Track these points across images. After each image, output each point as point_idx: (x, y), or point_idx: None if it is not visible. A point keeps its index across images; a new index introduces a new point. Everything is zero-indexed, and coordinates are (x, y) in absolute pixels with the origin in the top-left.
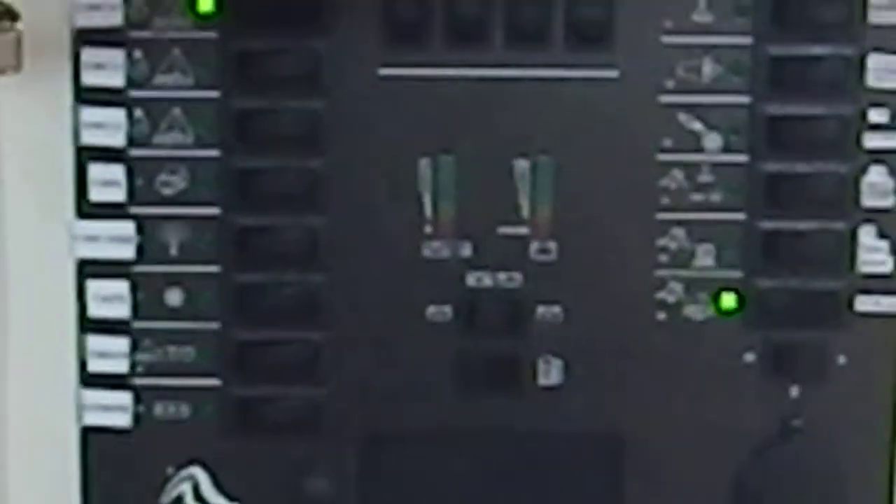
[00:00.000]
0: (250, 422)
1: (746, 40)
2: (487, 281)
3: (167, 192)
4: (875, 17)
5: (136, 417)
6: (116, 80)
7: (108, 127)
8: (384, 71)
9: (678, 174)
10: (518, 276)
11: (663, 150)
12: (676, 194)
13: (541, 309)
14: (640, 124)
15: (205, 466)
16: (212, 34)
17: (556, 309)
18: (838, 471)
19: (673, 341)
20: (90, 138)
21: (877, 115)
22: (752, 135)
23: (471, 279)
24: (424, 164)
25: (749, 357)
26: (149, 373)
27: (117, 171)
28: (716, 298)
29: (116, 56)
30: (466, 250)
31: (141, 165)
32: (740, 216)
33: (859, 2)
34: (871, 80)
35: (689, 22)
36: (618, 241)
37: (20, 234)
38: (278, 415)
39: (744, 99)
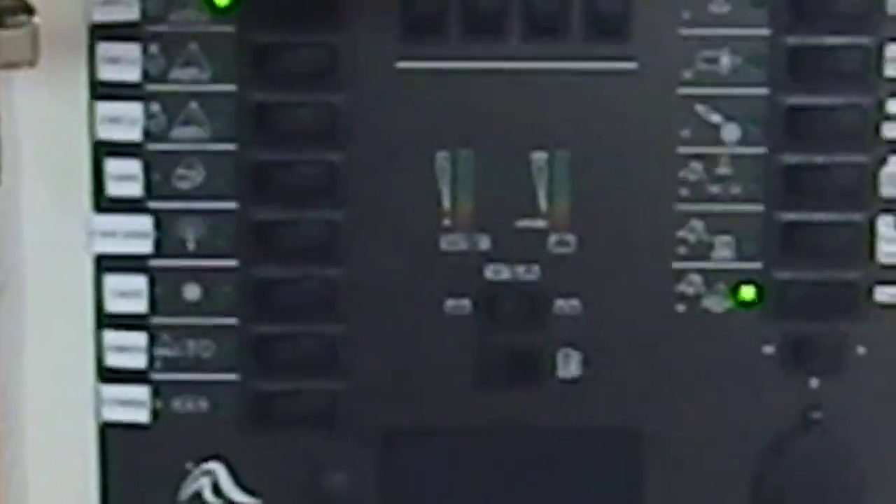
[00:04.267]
0: (269, 416)
1: (764, 31)
2: (506, 274)
3: (184, 186)
4: (893, 7)
5: (155, 412)
6: (133, 74)
7: (124, 121)
8: (402, 64)
9: (697, 166)
10: (536, 269)
11: (682, 142)
12: (695, 186)
13: (559, 302)
14: (658, 116)
15: (224, 461)
16: (229, 28)
17: (575, 302)
18: (858, 463)
19: (692, 333)
20: (106, 133)
21: None
22: (771, 126)
23: (489, 272)
24: (442, 157)
25: (768, 349)
26: (167, 367)
27: (134, 166)
28: (735, 290)
29: (133, 50)
30: (485, 243)
31: (158, 160)
32: (759, 208)
33: None
34: (890, 71)
35: (707, 13)
36: (636, 233)
37: (37, 229)
38: (297, 409)
39: (762, 90)
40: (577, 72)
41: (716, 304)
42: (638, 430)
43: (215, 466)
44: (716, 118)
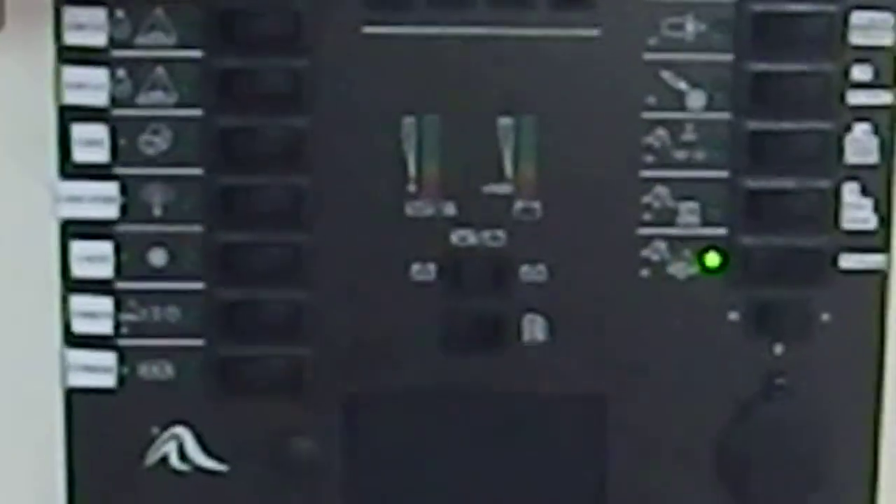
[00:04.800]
0: (235, 381)
1: None
2: (472, 240)
3: (150, 151)
4: None
5: (121, 378)
6: (99, 39)
7: (90, 87)
8: (368, 29)
9: (662, 132)
10: (502, 235)
11: (647, 109)
12: (660, 152)
13: (525, 267)
14: (623, 83)
15: (190, 426)
16: None
17: (541, 267)
18: (822, 428)
19: (657, 299)
20: (73, 98)
21: (860, 73)
22: (736, 93)
23: (455, 238)
24: (408, 122)
25: (733, 315)
26: (133, 333)
27: (100, 131)
28: (700, 256)
29: (98, 15)
30: (450, 209)
31: (124, 125)
32: (724, 174)
33: None
34: (855, 38)
35: None
36: (602, 199)
37: (2, 194)
38: (263, 374)
39: (727, 57)
40: (543, 38)
41: (680, 270)
42: (602, 396)
43: (181, 431)
44: (681, 84)
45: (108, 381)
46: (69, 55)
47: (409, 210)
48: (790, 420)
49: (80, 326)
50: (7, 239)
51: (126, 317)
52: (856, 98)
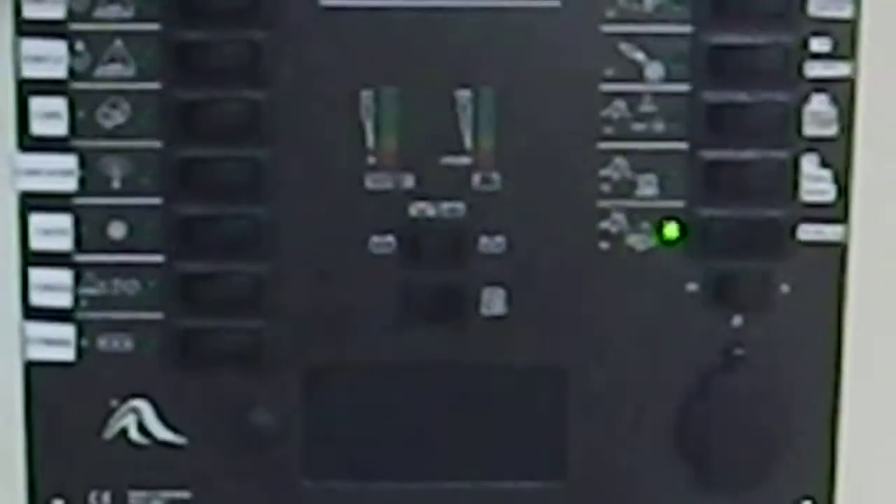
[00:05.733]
0: (194, 354)
1: None
2: (430, 212)
3: (109, 124)
4: None
5: (80, 351)
6: (57, 12)
7: (49, 60)
8: (326, 2)
9: (620, 104)
10: (461, 207)
11: (605, 80)
12: (619, 124)
13: (484, 239)
14: (581, 54)
15: (149, 399)
16: None
17: (500, 239)
18: (782, 400)
19: (616, 271)
20: (31, 71)
21: (819, 44)
22: (694, 64)
23: (413, 210)
24: (366, 95)
25: (692, 286)
26: (92, 306)
27: (59, 104)
28: (658, 228)
29: None
30: (409, 181)
31: (82, 98)
32: (682, 146)
33: None
34: (813, 9)
35: None
36: (560, 171)
37: None
38: (221, 347)
39: (685, 28)
40: (501, 9)
41: (639, 241)
42: (562, 368)
43: (140, 404)
44: (639, 56)
45: (68, 354)
46: (27, 28)
47: (368, 183)
48: (749, 391)
49: (38, 299)
50: None
51: (85, 290)
52: (814, 70)
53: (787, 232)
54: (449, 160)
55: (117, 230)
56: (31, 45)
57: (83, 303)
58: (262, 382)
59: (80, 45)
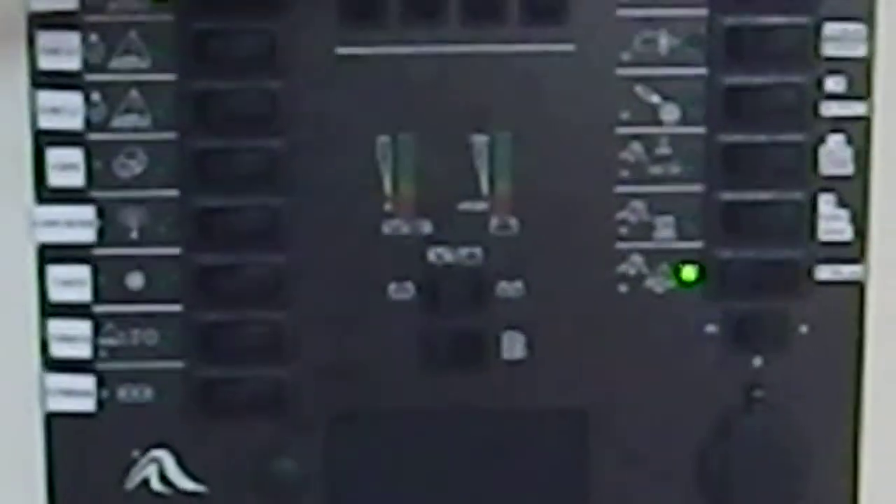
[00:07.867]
0: (215, 403)
1: (702, 12)
2: (448, 257)
3: (126, 175)
4: None
5: (100, 402)
6: (73, 63)
7: (65, 111)
8: (342, 50)
9: (636, 147)
10: (479, 252)
11: (621, 123)
12: (635, 167)
13: (502, 284)
14: (597, 98)
15: (170, 449)
16: (168, 16)
17: (518, 284)
18: (802, 441)
19: (635, 314)
20: (47, 122)
21: (834, 84)
22: (710, 106)
23: (432, 256)
24: (383, 142)
25: (711, 328)
26: (112, 356)
27: (75, 155)
28: (676, 270)
29: (72, 39)
30: (427, 227)
31: (99, 149)
32: (699, 188)
33: None
34: (828, 49)
35: None
36: (578, 214)
37: None
38: (243, 396)
39: (700, 70)
40: (516, 54)
41: (658, 283)
42: (583, 411)
43: (162, 454)
44: (655, 99)
45: (88, 404)
46: (43, 80)
47: (386, 229)
48: (770, 432)
49: (58, 350)
50: None
51: (104, 340)
52: (829, 109)
53: (804, 272)
54: (466, 205)
55: (136, 280)
56: (47, 97)
57: (103, 353)
58: (283, 431)
59: (95, 96)
